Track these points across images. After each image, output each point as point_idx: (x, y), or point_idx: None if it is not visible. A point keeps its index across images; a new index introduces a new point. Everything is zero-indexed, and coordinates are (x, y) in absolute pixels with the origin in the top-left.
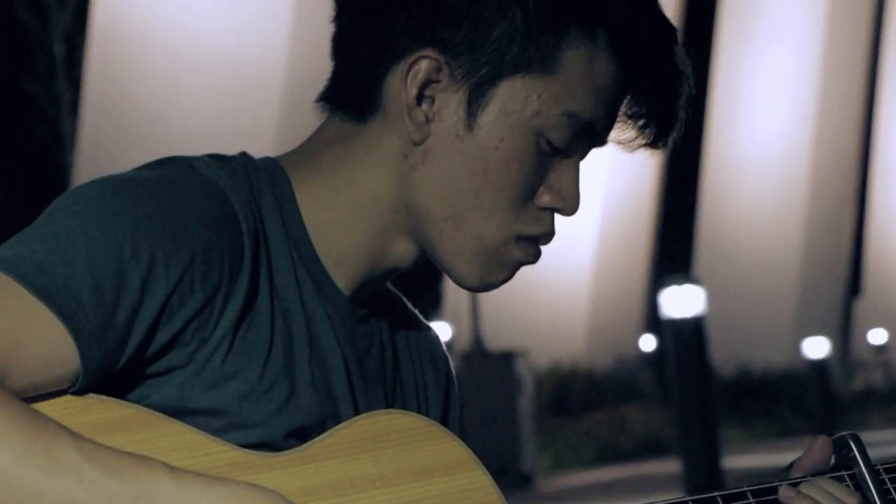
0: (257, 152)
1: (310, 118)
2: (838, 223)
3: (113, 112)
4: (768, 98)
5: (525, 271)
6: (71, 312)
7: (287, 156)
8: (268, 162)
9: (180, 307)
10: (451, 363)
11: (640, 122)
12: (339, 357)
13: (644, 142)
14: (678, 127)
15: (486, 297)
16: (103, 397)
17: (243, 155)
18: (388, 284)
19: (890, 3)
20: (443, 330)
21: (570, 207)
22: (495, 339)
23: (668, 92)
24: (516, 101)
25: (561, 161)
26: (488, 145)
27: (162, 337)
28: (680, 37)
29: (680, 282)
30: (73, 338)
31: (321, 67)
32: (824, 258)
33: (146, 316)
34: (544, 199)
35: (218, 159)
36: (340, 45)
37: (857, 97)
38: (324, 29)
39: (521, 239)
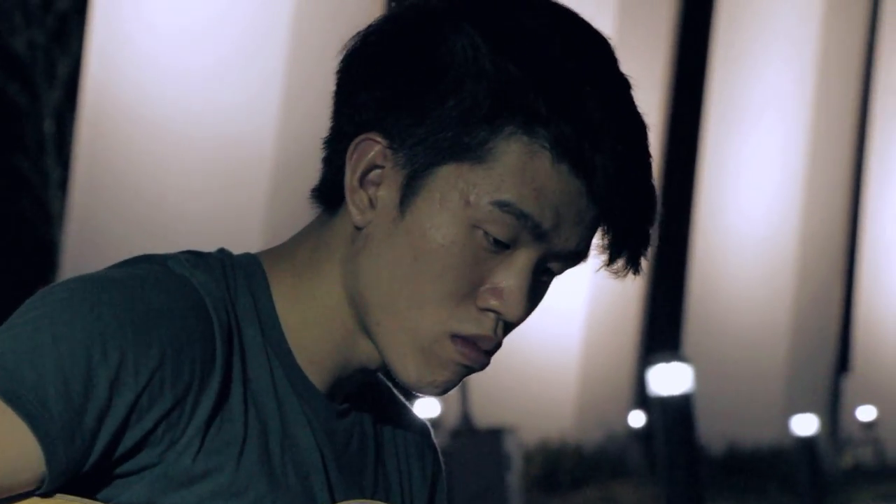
0: (246, 231)
1: (299, 198)
2: (826, 300)
3: (102, 189)
4: (756, 176)
5: (513, 348)
6: (37, 416)
7: (267, 251)
8: (246, 258)
9: (150, 408)
10: (440, 455)
11: (606, 245)
12: (316, 453)
13: (612, 266)
14: (644, 251)
15: (475, 374)
16: (70, 497)
17: (221, 251)
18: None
19: (877, 79)
20: (431, 407)
21: (510, 312)
22: (484, 416)
23: (624, 219)
24: (447, 188)
25: (509, 262)
26: (417, 231)
27: (131, 438)
28: (646, 165)
29: (668, 359)
30: (38, 442)
31: (311, 145)
32: (813, 335)
33: (115, 418)
34: (485, 298)
35: (194, 256)
36: (327, 139)
37: (844, 174)
38: (313, 107)
39: (456, 337)
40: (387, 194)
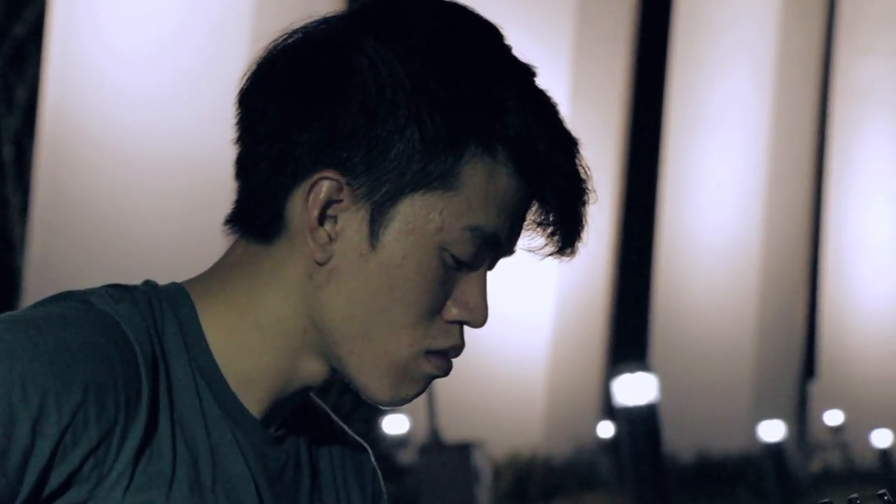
0: (210, 253)
1: None
2: (791, 306)
3: (62, 215)
4: (717, 184)
5: (481, 362)
6: None
7: (193, 280)
8: (172, 288)
9: (74, 446)
10: (380, 476)
11: (548, 230)
12: (249, 482)
13: (551, 250)
14: (582, 234)
15: (443, 389)
16: None
17: (146, 283)
18: (313, 396)
19: (835, 84)
20: (399, 422)
21: (478, 319)
22: (452, 431)
23: (570, 202)
24: (418, 218)
25: (467, 273)
26: (391, 262)
27: (57, 477)
28: (579, 147)
29: (633, 369)
30: None
31: None
32: (778, 342)
33: (39, 458)
34: (452, 312)
35: (118, 290)
36: (243, 167)
37: (806, 179)
38: None
39: (430, 353)
40: (349, 228)
